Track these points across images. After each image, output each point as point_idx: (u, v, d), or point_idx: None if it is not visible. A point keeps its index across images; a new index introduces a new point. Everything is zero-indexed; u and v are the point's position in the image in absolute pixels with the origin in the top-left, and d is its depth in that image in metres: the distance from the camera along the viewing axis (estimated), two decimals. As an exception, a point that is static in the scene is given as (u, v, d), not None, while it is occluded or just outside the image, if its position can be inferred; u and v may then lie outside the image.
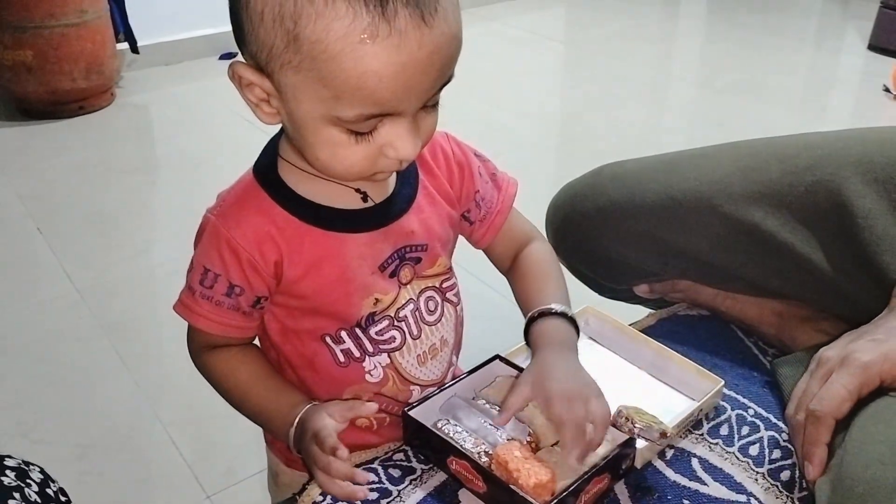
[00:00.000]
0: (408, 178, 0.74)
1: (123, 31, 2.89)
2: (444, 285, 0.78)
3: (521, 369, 0.79)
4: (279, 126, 0.68)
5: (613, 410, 0.73)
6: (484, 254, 0.86)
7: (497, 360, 0.80)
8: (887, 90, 2.98)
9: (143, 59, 3.06)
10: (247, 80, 0.62)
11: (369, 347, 0.73)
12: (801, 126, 2.93)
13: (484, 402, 0.76)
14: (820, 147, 0.88)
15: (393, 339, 0.74)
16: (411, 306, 0.75)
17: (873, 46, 3.42)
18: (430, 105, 0.63)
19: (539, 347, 0.73)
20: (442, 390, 0.76)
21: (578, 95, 3.17)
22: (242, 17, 0.60)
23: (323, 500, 0.70)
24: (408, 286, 0.74)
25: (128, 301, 1.81)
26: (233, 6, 0.61)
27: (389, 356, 0.74)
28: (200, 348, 0.75)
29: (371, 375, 0.74)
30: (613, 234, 0.98)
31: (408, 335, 0.75)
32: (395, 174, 0.73)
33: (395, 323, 0.74)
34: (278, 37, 0.57)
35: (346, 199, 0.70)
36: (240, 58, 0.64)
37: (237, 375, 0.74)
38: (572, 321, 0.76)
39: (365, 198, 0.71)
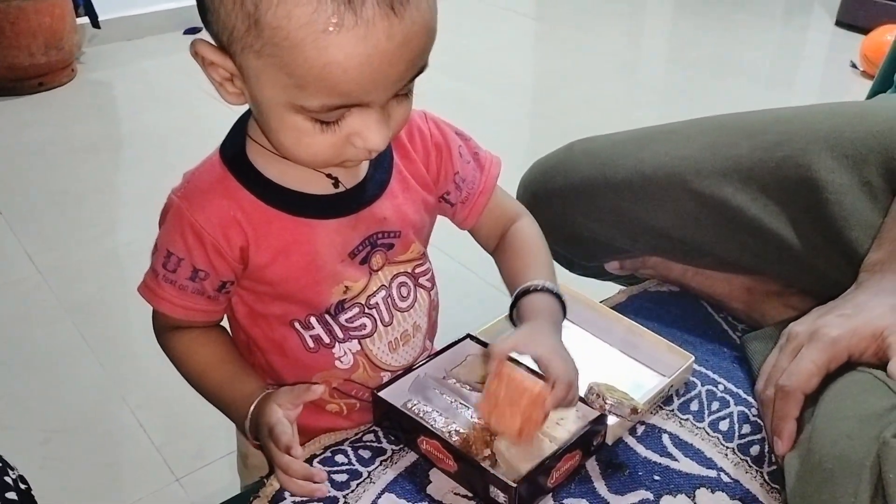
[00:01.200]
0: (381, 163, 0.72)
1: (83, 4, 2.81)
2: (417, 271, 0.76)
3: (491, 348, 0.78)
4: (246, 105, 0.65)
5: (584, 387, 0.72)
6: (469, 234, 0.84)
7: (468, 339, 0.80)
8: (854, 66, 3.01)
9: (104, 34, 2.98)
10: (209, 60, 0.59)
11: (339, 334, 0.72)
12: (770, 101, 2.94)
13: (454, 381, 0.75)
14: (789, 122, 0.88)
15: (363, 326, 0.73)
16: (383, 293, 0.73)
17: (840, 22, 3.44)
18: (402, 94, 0.60)
19: (529, 318, 0.72)
20: (412, 370, 0.76)
21: (549, 70, 3.16)
22: None
23: (291, 483, 0.69)
24: (379, 273, 0.73)
25: (92, 282, 1.78)
26: None
27: (360, 343, 0.73)
28: (163, 328, 0.73)
29: (341, 362, 0.73)
30: (584, 210, 0.97)
31: (379, 322, 0.73)
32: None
33: (366, 310, 0.72)
34: (239, 19, 0.54)
35: (316, 185, 0.68)
36: (204, 34, 0.61)
37: (196, 358, 0.73)
38: (560, 299, 0.74)
39: (336, 183, 0.68)
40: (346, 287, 0.71)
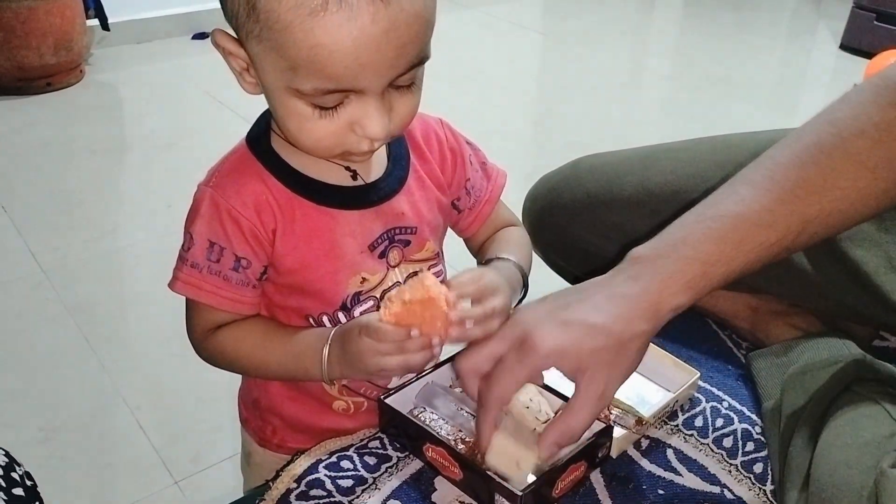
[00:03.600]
0: (399, 161, 0.74)
1: (94, 7, 2.82)
2: (432, 271, 0.77)
3: (498, 358, 0.79)
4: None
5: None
6: (463, 240, 0.86)
7: (473, 349, 0.80)
8: (857, 90, 3.03)
9: (113, 37, 2.99)
10: (227, 48, 0.62)
11: None
12: (773, 122, 2.97)
13: (461, 389, 0.75)
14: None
15: None
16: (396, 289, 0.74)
17: (845, 46, 3.46)
18: (405, 86, 0.61)
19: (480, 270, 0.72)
20: (418, 378, 0.76)
21: (554, 85, 3.17)
22: None
23: (297, 487, 0.70)
24: (396, 269, 0.74)
25: (94, 282, 1.78)
26: None
27: None
28: (205, 330, 0.71)
29: None
30: (590, 226, 0.98)
31: None
32: (386, 155, 0.73)
33: (380, 304, 0.73)
34: (241, 5, 0.58)
35: (336, 176, 0.69)
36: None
37: (251, 338, 0.70)
38: (523, 274, 0.76)
39: (354, 176, 0.70)
40: (364, 278, 0.71)
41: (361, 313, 0.72)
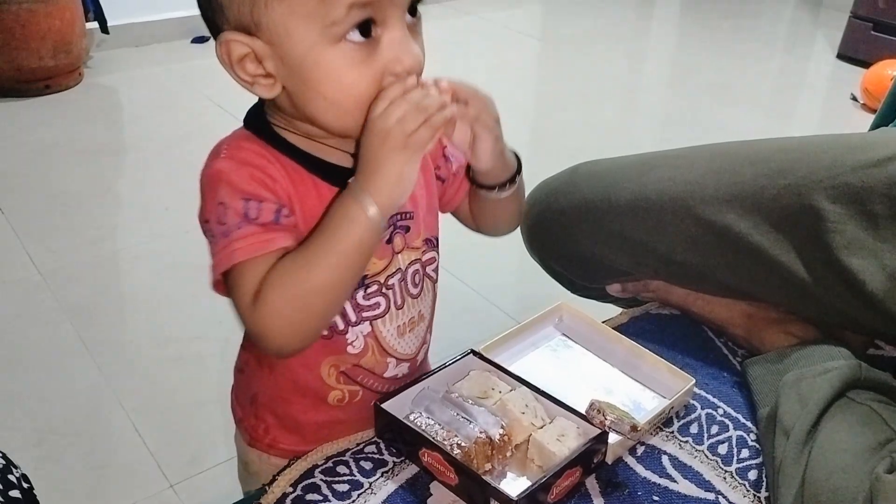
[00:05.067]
0: None
1: (93, 10, 2.83)
2: (426, 258, 0.77)
3: (495, 365, 0.79)
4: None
5: (586, 403, 0.73)
6: (453, 216, 0.84)
7: (471, 355, 0.80)
8: (855, 99, 3.04)
9: (112, 40, 3.00)
10: (238, 53, 0.61)
11: (353, 317, 0.72)
12: (770, 130, 2.98)
13: (457, 395, 0.76)
14: (793, 151, 0.89)
15: (378, 305, 0.73)
16: (399, 275, 0.74)
17: (842, 55, 3.48)
18: (414, 23, 0.62)
19: None
20: (415, 383, 0.76)
21: (553, 92, 3.18)
22: None
23: (293, 492, 0.70)
24: (399, 255, 0.74)
25: (91, 285, 1.78)
26: None
27: (371, 324, 0.73)
28: (253, 295, 0.63)
29: (353, 346, 0.73)
30: (588, 232, 0.98)
31: (392, 303, 0.74)
32: None
33: (384, 290, 0.73)
34: None
35: (339, 158, 0.68)
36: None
37: (292, 258, 0.63)
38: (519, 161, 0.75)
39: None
40: (373, 262, 0.71)
41: (364, 297, 0.71)
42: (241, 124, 0.70)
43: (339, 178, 0.66)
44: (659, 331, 0.95)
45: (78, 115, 2.58)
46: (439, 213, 0.80)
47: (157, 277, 1.81)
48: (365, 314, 0.73)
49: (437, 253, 0.79)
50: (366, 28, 0.59)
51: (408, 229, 0.74)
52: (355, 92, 0.61)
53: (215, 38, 0.62)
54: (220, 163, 0.64)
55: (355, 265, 0.64)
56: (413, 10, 0.63)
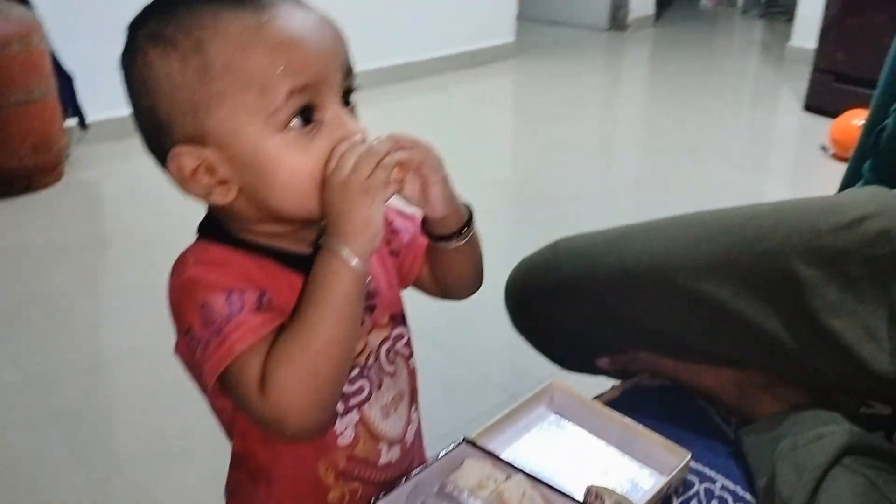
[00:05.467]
0: None
1: (72, 107, 2.87)
2: (394, 334, 0.77)
3: (489, 453, 0.78)
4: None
5: (584, 487, 0.72)
6: (416, 288, 0.84)
7: (464, 444, 0.79)
8: (824, 149, 3.11)
9: (92, 135, 3.03)
10: (189, 166, 0.62)
11: (339, 407, 0.71)
12: (744, 185, 3.03)
13: (452, 487, 0.74)
14: (765, 217, 0.90)
15: (362, 389, 0.73)
16: (373, 356, 0.74)
17: (809, 107, 3.57)
18: (350, 105, 0.65)
19: None
20: (408, 479, 0.75)
21: (529, 161, 3.24)
22: (154, 107, 0.62)
23: None
24: (369, 336, 0.74)
25: (76, 386, 1.75)
26: (141, 107, 0.63)
27: (360, 411, 0.72)
28: (259, 382, 0.61)
29: (343, 437, 0.72)
30: (571, 308, 0.99)
31: (374, 386, 0.74)
32: None
33: (364, 372, 0.73)
34: (193, 80, 0.60)
35: (297, 247, 0.68)
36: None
37: (284, 336, 0.62)
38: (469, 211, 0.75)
39: (314, 245, 0.68)
40: None
41: (348, 383, 0.71)
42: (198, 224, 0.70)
43: (303, 265, 0.65)
44: (651, 403, 0.95)
45: (59, 213, 2.59)
46: (401, 290, 0.80)
47: (142, 374, 1.78)
48: (351, 402, 0.72)
49: (406, 329, 0.79)
50: (307, 114, 0.62)
51: (373, 308, 0.74)
52: (307, 175, 0.62)
53: (162, 162, 0.64)
54: (189, 270, 0.64)
55: (350, 318, 0.64)
56: (347, 101, 0.66)
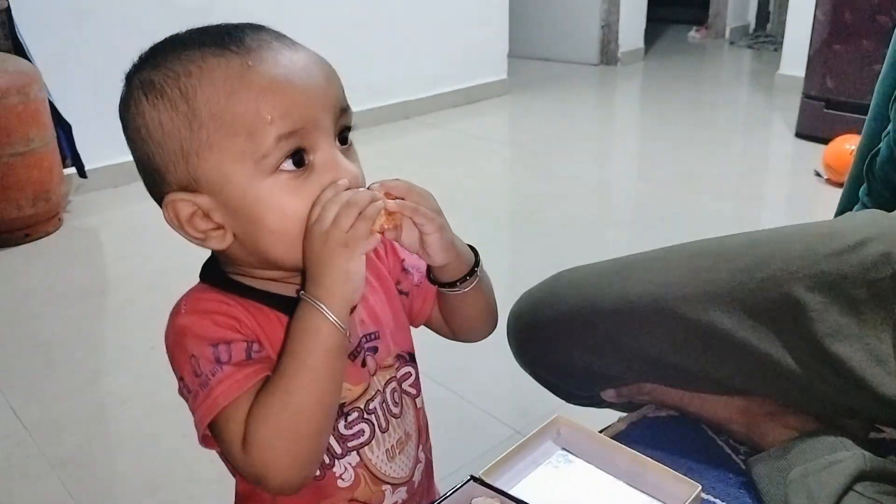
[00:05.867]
0: None
1: (71, 156, 2.89)
2: (400, 374, 0.76)
3: (498, 490, 0.77)
4: None
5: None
6: (427, 328, 0.84)
7: (471, 482, 0.78)
8: (818, 174, 3.13)
9: (91, 183, 3.05)
10: (185, 212, 0.63)
11: (337, 449, 0.71)
12: (740, 213, 3.04)
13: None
14: (764, 244, 0.91)
15: (362, 432, 0.72)
16: (379, 398, 0.73)
17: (800, 134, 3.60)
18: (346, 145, 0.65)
19: None
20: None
21: (527, 195, 3.25)
22: (149, 154, 0.63)
23: None
24: (374, 377, 0.73)
25: (78, 434, 1.74)
26: (139, 155, 0.64)
27: (359, 454, 0.72)
28: (242, 438, 0.61)
29: (343, 480, 0.71)
30: (575, 341, 0.99)
31: (377, 428, 0.73)
32: None
33: (365, 416, 0.72)
34: (181, 129, 0.60)
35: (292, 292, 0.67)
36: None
37: (267, 389, 0.62)
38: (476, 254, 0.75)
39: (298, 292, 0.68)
40: (348, 388, 0.70)
41: (345, 426, 0.71)
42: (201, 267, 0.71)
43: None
44: (659, 435, 0.94)
45: (58, 261, 2.60)
46: (412, 328, 0.80)
47: (144, 420, 1.77)
48: (350, 444, 0.72)
49: (414, 367, 0.78)
50: (298, 157, 0.62)
51: (376, 350, 0.74)
52: (299, 218, 0.62)
53: (161, 206, 0.65)
54: (181, 319, 0.65)
55: (330, 376, 0.63)
56: (344, 139, 0.65)
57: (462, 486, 0.77)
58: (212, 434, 0.64)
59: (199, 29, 0.64)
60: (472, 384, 1.80)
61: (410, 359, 0.78)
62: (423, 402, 0.80)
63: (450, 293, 0.75)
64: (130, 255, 2.65)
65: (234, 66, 0.60)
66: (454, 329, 0.82)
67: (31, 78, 2.58)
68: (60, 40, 2.94)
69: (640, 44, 5.56)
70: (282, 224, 0.62)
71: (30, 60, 2.72)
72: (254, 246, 0.64)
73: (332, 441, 0.70)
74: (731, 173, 3.43)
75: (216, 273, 0.69)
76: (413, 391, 0.78)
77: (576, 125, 4.14)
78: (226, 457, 0.65)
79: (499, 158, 3.74)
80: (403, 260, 0.80)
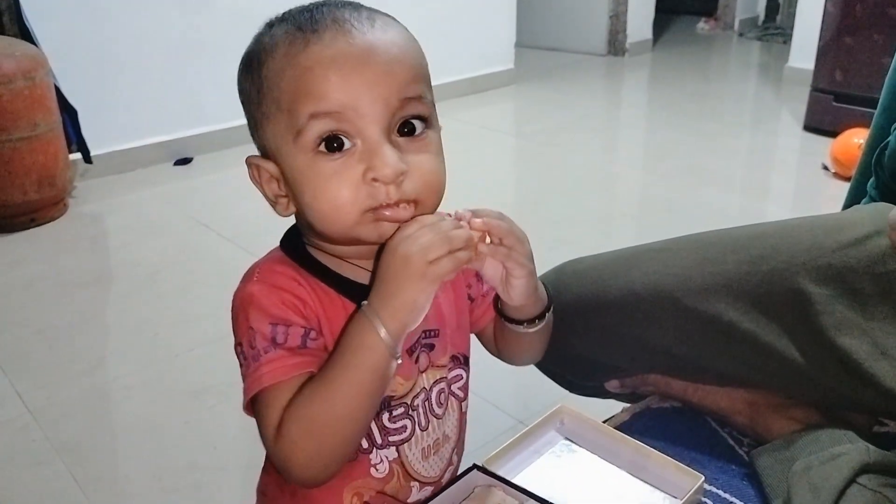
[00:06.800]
0: None
1: (76, 141, 2.89)
2: (451, 375, 0.76)
3: (501, 479, 0.77)
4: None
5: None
6: (475, 336, 0.83)
7: (475, 470, 0.78)
8: (826, 168, 3.11)
9: (96, 168, 3.05)
10: (265, 173, 0.66)
11: (378, 438, 0.70)
12: (746, 207, 3.02)
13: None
14: (771, 237, 0.90)
15: (404, 428, 0.72)
16: (423, 395, 0.73)
17: (808, 127, 3.58)
18: (416, 137, 0.63)
19: None
20: (420, 506, 0.74)
21: (532, 186, 3.24)
22: (245, 112, 0.66)
23: None
24: (423, 374, 0.73)
25: (83, 420, 1.74)
26: (242, 100, 0.67)
27: (398, 449, 0.72)
28: (276, 426, 0.62)
29: (376, 470, 0.71)
30: (580, 331, 0.98)
31: (417, 426, 0.73)
32: None
33: (409, 412, 0.72)
34: (252, 98, 0.64)
35: (367, 278, 0.67)
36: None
37: (310, 386, 0.62)
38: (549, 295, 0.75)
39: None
40: (399, 383, 0.70)
41: (389, 420, 0.70)
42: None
43: (366, 298, 0.65)
44: (662, 426, 0.94)
45: (64, 247, 2.60)
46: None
47: (149, 406, 1.78)
48: (391, 438, 0.71)
49: (467, 371, 0.78)
50: (334, 140, 0.61)
51: (432, 347, 0.73)
52: (334, 200, 0.62)
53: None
54: (251, 286, 0.65)
55: (373, 393, 0.63)
56: (410, 130, 0.63)
57: (465, 473, 0.78)
58: (252, 409, 0.65)
59: (308, 5, 0.65)
60: (475, 374, 1.79)
61: (465, 361, 0.78)
62: (467, 407, 0.79)
63: (514, 329, 0.75)
64: (136, 242, 2.65)
65: (295, 44, 0.61)
66: (502, 352, 0.82)
67: (38, 62, 2.58)
68: (67, 25, 2.94)
69: (649, 34, 5.53)
70: (317, 202, 0.63)
71: (36, 45, 2.72)
72: (304, 217, 0.66)
73: (374, 429, 0.70)
74: (738, 166, 3.41)
75: (295, 243, 0.70)
76: (461, 394, 0.78)
77: (583, 116, 4.12)
78: (260, 434, 0.65)
79: (504, 148, 3.72)
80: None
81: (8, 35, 2.73)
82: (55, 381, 1.87)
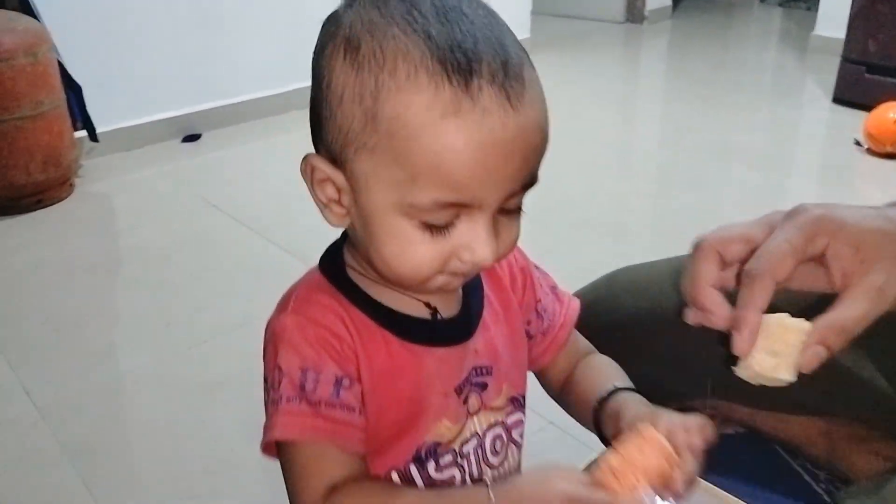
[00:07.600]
0: (474, 292, 0.67)
1: (81, 119, 2.80)
2: (510, 420, 0.69)
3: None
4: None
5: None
6: (535, 375, 0.78)
7: None
8: (858, 143, 2.99)
9: (102, 146, 2.96)
10: (320, 175, 0.58)
11: (420, 485, 0.64)
12: (772, 182, 2.91)
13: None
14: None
15: (453, 478, 0.65)
16: (475, 442, 0.66)
17: (838, 99, 3.45)
18: (513, 210, 0.57)
19: (633, 409, 0.65)
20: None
21: (547, 161, 3.13)
22: (321, 103, 0.56)
23: None
24: (474, 418, 0.66)
25: (92, 416, 1.67)
26: (314, 93, 0.58)
27: None
28: (325, 494, 0.58)
29: None
30: (634, 350, 0.89)
31: (468, 476, 0.66)
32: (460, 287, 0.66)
33: (458, 460, 0.65)
34: (356, 118, 0.54)
35: (416, 310, 0.63)
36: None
37: (380, 494, 0.59)
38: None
39: (434, 313, 0.63)
40: (447, 426, 0.64)
41: (436, 469, 0.64)
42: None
43: (410, 331, 0.61)
44: (726, 457, 0.85)
45: (71, 228, 2.52)
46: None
47: (160, 402, 1.71)
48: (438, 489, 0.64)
49: (524, 413, 0.71)
50: (445, 225, 0.55)
51: (485, 386, 0.66)
52: (415, 262, 0.56)
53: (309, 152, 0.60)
54: (286, 318, 0.60)
55: None
56: (513, 207, 0.58)
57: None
58: (278, 452, 0.61)
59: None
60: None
61: (522, 402, 0.71)
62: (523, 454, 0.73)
63: None
64: (145, 224, 2.57)
65: (441, 101, 0.51)
66: (562, 399, 0.77)
67: (40, 38, 2.47)
68: (69, -3, 2.83)
69: (668, 1, 5.37)
70: (395, 260, 0.57)
71: (38, 19, 2.61)
72: (364, 250, 0.60)
73: (419, 480, 0.64)
74: (761, 140, 3.28)
75: (336, 266, 0.64)
76: (520, 441, 0.71)
77: (600, 85, 4.00)
78: (286, 485, 0.60)
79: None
80: (539, 301, 0.73)
81: (8, 9, 2.62)
82: (64, 374, 1.80)
